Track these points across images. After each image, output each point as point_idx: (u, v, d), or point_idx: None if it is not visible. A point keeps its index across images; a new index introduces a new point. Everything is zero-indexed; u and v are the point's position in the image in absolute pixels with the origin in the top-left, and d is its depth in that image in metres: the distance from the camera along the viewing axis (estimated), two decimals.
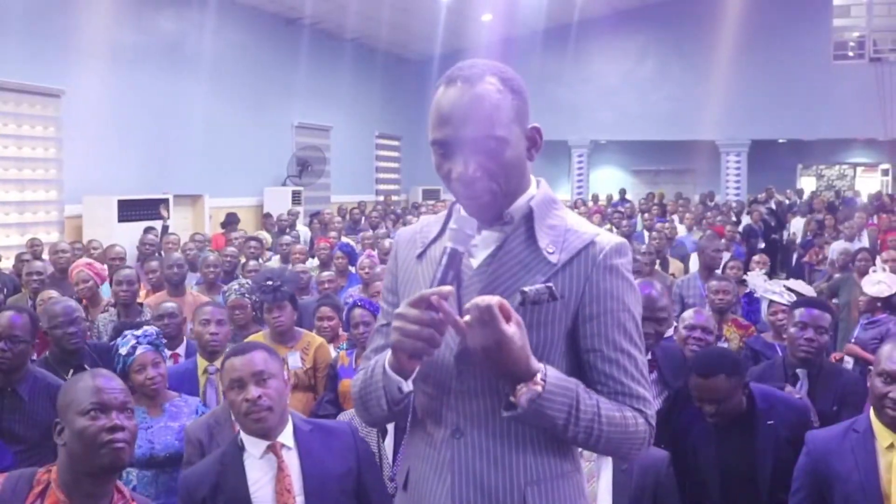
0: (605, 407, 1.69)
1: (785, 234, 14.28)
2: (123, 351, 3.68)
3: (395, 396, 1.73)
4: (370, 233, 10.65)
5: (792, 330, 4.01)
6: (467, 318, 1.59)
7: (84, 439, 2.26)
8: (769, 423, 3.30)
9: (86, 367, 4.33)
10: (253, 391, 2.73)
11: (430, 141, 1.75)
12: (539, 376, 1.62)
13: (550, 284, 1.70)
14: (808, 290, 5.63)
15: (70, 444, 2.29)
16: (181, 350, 5.07)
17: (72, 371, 4.31)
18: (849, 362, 5.32)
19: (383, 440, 3.66)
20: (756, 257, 8.29)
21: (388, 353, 1.72)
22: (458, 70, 1.76)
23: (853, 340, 5.73)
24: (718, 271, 7.24)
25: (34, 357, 5.03)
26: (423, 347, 1.61)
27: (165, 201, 11.17)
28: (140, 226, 10.27)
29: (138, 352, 3.66)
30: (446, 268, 1.66)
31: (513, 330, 1.58)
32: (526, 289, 1.69)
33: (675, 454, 3.33)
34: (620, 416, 1.70)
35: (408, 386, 1.72)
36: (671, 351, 4.10)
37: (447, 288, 1.62)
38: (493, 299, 1.57)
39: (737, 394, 3.33)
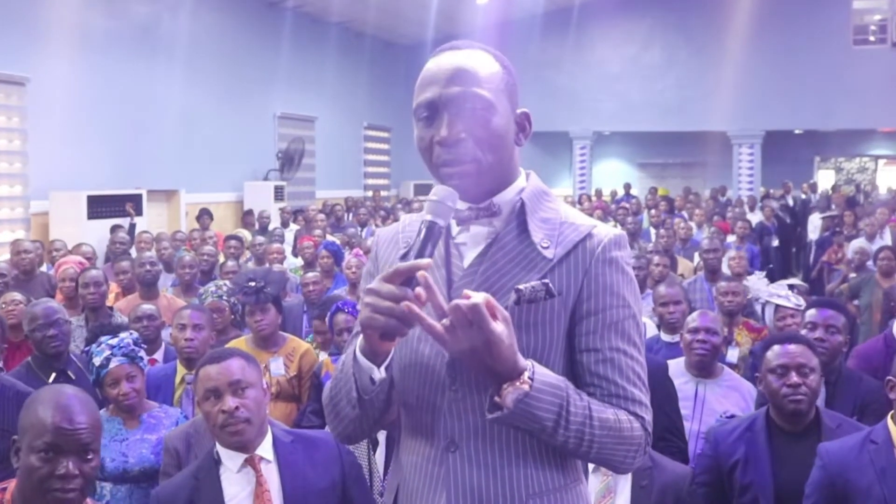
0: (597, 409, 1.67)
1: (806, 232, 14.28)
2: (97, 361, 3.66)
3: (366, 386, 1.72)
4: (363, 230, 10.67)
5: (802, 332, 4.04)
6: (445, 321, 1.57)
7: (32, 480, 2.20)
8: None
9: (69, 373, 4.36)
10: (229, 402, 2.73)
11: (413, 108, 1.77)
12: (526, 375, 1.60)
13: (547, 281, 1.70)
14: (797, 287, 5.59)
15: (22, 473, 2.23)
16: (159, 355, 5.08)
17: (54, 376, 4.35)
18: None
19: (374, 452, 3.66)
20: (732, 254, 8.13)
21: (360, 339, 1.71)
22: (445, 45, 1.81)
23: None
24: (726, 270, 7.25)
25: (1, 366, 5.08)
26: (397, 325, 1.58)
27: (136, 198, 11.15)
28: (111, 223, 10.25)
29: (112, 364, 3.64)
30: (424, 240, 1.64)
31: (501, 328, 1.56)
32: (521, 286, 1.69)
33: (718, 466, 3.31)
34: (614, 420, 1.68)
35: (380, 373, 1.71)
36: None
37: (426, 260, 1.60)
38: (480, 297, 1.55)
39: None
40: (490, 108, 1.72)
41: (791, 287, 5.53)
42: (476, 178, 1.74)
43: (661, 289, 5.48)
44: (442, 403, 1.75)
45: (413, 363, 1.78)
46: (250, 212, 12.87)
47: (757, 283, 6.13)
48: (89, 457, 2.25)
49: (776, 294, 5.46)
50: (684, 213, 13.81)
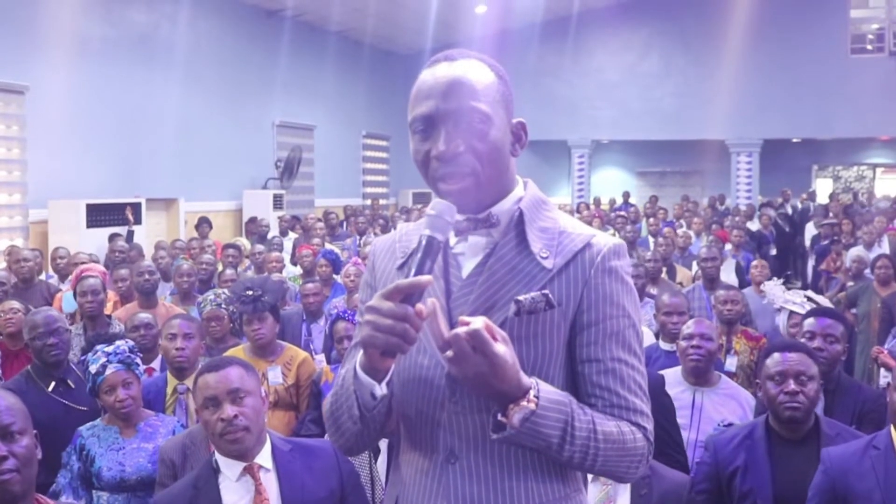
0: (601, 422, 1.67)
1: (804, 240, 14.27)
2: (93, 369, 3.66)
3: (367, 402, 1.70)
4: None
5: (801, 341, 4.04)
6: (449, 353, 1.57)
7: None
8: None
9: (69, 381, 4.35)
10: (228, 410, 2.73)
11: (409, 122, 1.76)
12: (532, 393, 1.60)
13: (546, 292, 1.69)
14: (824, 302, 5.61)
15: None
16: (156, 364, 5.06)
17: (53, 384, 4.34)
18: (886, 377, 5.29)
19: (375, 461, 3.66)
20: (755, 262, 8.21)
21: (360, 355, 1.69)
22: (440, 55, 1.80)
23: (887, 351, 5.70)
24: (724, 279, 7.29)
25: None
26: (397, 343, 1.57)
27: (135, 206, 11.14)
28: (110, 231, 10.25)
29: (108, 371, 3.64)
30: (423, 257, 1.62)
31: (503, 350, 1.56)
32: (521, 297, 1.68)
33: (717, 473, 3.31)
34: (618, 432, 1.68)
35: (381, 390, 1.69)
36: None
37: (426, 277, 1.58)
38: (478, 322, 1.55)
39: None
40: (487, 121, 1.71)
41: (809, 298, 5.52)
42: (474, 191, 1.73)
43: (666, 298, 5.46)
44: (441, 415, 1.74)
45: (412, 375, 1.77)
46: (254, 219, 12.83)
47: (774, 288, 6.13)
48: (15, 438, 2.21)
49: (791, 301, 5.47)
50: (682, 222, 13.81)
